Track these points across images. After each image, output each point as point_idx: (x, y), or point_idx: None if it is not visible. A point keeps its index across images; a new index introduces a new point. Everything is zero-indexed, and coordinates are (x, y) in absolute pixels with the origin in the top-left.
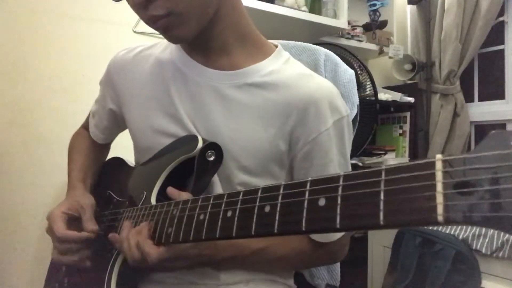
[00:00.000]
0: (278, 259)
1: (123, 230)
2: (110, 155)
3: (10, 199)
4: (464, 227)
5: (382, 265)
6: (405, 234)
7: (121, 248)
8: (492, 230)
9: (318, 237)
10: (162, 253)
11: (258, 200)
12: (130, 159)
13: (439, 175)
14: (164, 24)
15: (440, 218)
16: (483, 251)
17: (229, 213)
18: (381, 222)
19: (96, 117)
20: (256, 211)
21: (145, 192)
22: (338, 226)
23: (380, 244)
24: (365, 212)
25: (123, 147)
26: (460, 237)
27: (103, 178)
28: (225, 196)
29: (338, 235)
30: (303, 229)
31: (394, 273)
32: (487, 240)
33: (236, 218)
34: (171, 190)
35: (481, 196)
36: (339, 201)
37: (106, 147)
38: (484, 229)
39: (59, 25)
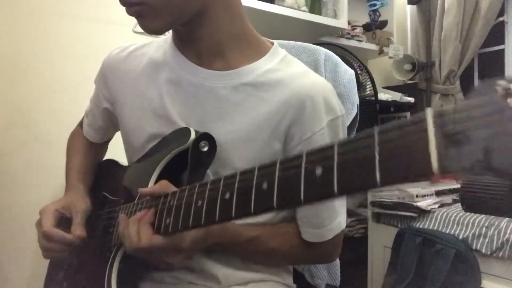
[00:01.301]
0: (271, 250)
1: (121, 219)
2: (108, 155)
3: (10, 199)
4: (464, 227)
5: (382, 265)
6: (405, 234)
7: (121, 234)
8: (492, 230)
9: (310, 238)
10: (156, 241)
11: (255, 178)
12: (125, 161)
13: (430, 128)
14: (136, 11)
15: (435, 169)
16: (483, 251)
17: (227, 195)
18: (378, 181)
19: (90, 117)
20: (254, 189)
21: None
22: (336, 191)
23: (380, 244)
24: (362, 173)
25: (119, 147)
26: (460, 237)
27: (97, 181)
28: (222, 179)
29: (330, 235)
30: (302, 199)
31: (394, 273)
32: (487, 240)
33: (234, 199)
34: (143, 191)
35: (473, 143)
36: (335, 168)
37: (104, 146)
38: (484, 229)
39: (59, 25)
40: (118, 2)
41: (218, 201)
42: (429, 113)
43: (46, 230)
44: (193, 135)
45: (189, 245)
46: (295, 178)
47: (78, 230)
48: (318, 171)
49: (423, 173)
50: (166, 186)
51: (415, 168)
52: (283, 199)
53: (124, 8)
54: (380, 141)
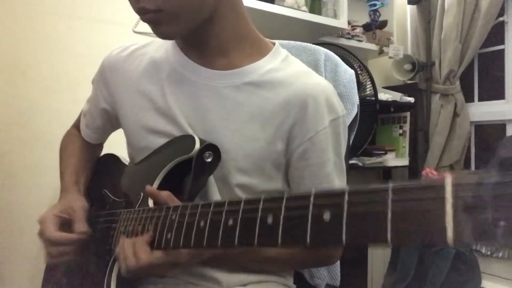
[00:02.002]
0: (269, 259)
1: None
2: (104, 152)
3: (10, 199)
4: None
5: (382, 265)
6: None
7: (117, 256)
8: None
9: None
10: (155, 258)
11: (260, 211)
12: (123, 156)
13: (448, 197)
14: (152, 18)
15: (450, 240)
16: (483, 251)
17: (231, 222)
18: (389, 242)
19: (87, 117)
20: (258, 222)
21: (142, 194)
22: (344, 242)
23: None
24: (372, 230)
25: (116, 144)
26: None
27: (98, 176)
28: (226, 204)
29: None
30: (308, 243)
31: (394, 273)
32: None
33: (238, 228)
34: (149, 189)
35: (491, 217)
36: (345, 218)
37: (99, 146)
38: None
39: (59, 25)
40: (118, 2)
41: (221, 227)
42: (448, 181)
43: (50, 236)
44: (197, 145)
45: (186, 259)
46: (301, 220)
47: (81, 226)
48: (326, 216)
49: (437, 244)
50: (169, 197)
51: (428, 236)
52: (288, 238)
53: (124, 8)
54: (393, 200)
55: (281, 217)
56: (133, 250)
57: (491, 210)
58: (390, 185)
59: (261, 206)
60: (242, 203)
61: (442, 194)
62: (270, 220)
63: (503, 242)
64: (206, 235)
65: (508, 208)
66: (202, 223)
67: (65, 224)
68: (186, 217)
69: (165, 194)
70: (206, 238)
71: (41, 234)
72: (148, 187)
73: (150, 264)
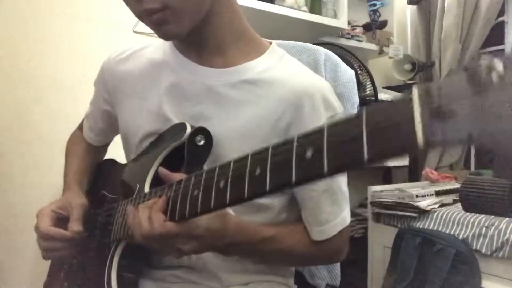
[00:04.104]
0: (287, 250)
1: (129, 211)
2: (108, 155)
3: (10, 199)
4: (464, 227)
5: (382, 265)
6: (405, 234)
7: (130, 221)
8: (492, 230)
9: (318, 236)
10: (169, 227)
11: (248, 164)
12: (123, 161)
13: (416, 103)
14: (159, 18)
15: (420, 141)
16: (483, 251)
17: (222, 183)
18: (365, 156)
19: (90, 119)
20: (247, 175)
21: (138, 185)
22: (325, 172)
23: (380, 244)
24: (350, 152)
25: (118, 147)
26: (460, 237)
27: (96, 181)
28: (217, 168)
29: (335, 230)
30: (293, 181)
31: (394, 273)
32: (487, 240)
33: (228, 186)
34: (162, 171)
35: (456, 117)
36: (325, 149)
37: (103, 148)
38: (484, 229)
39: (59, 25)
40: (118, 2)
41: (213, 189)
42: (415, 90)
43: (43, 230)
44: (188, 130)
45: (203, 232)
46: (286, 162)
47: (75, 225)
48: (309, 153)
49: (408, 147)
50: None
51: (401, 142)
52: (275, 182)
53: (124, 8)
54: (367, 120)
55: (268, 164)
56: (148, 215)
57: (454, 108)
58: (365, 107)
59: (249, 160)
60: (232, 162)
61: (410, 102)
62: (258, 171)
63: (467, 137)
64: (200, 200)
65: (466, 102)
66: (196, 192)
67: (62, 220)
68: (180, 190)
69: (178, 175)
70: (200, 203)
71: (36, 227)
72: (161, 169)
73: (164, 231)
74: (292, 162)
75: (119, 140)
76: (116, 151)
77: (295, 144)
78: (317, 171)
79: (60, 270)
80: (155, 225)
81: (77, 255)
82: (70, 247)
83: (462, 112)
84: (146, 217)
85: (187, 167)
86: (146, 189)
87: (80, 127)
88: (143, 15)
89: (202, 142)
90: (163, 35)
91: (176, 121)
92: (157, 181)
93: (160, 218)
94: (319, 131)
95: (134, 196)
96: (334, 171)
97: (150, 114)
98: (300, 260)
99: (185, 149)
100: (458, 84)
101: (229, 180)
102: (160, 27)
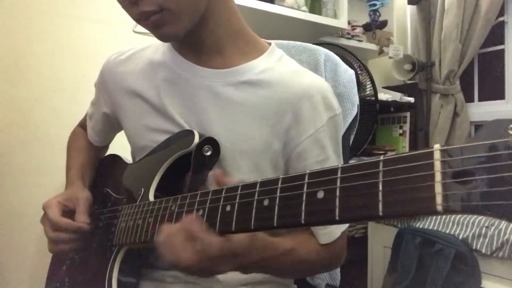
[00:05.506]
0: (304, 260)
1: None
2: (108, 153)
3: (10, 199)
4: (464, 227)
5: (382, 265)
6: (405, 234)
7: (170, 245)
8: (492, 230)
9: (324, 239)
10: (230, 242)
11: (256, 194)
12: (128, 157)
13: (437, 165)
14: (156, 20)
15: (439, 207)
16: (483, 251)
17: (228, 208)
18: (380, 213)
19: (92, 120)
20: (255, 205)
21: (143, 189)
22: (337, 218)
23: (380, 244)
24: (364, 203)
25: (119, 145)
26: (460, 237)
27: (100, 176)
28: (223, 191)
29: (339, 232)
30: (302, 221)
31: (394, 273)
32: (487, 240)
33: (235, 213)
34: (218, 173)
35: (479, 184)
36: (337, 193)
37: (104, 146)
38: (484, 229)
39: (59, 25)
40: (118, 2)
41: (219, 213)
42: (436, 149)
43: (54, 219)
44: (196, 139)
45: (243, 250)
46: (296, 199)
47: (82, 218)
48: (320, 194)
49: (426, 211)
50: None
51: (419, 205)
52: (284, 218)
53: (124, 8)
54: (385, 171)
55: (277, 198)
56: (190, 233)
57: (477, 176)
58: (382, 157)
59: (257, 189)
60: (239, 188)
61: (431, 161)
62: (266, 202)
63: (487, 211)
64: (204, 222)
65: (490, 173)
66: (200, 212)
67: (68, 213)
68: (185, 207)
69: (229, 180)
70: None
71: (45, 218)
72: (217, 170)
73: (224, 249)
74: (303, 201)
75: (119, 140)
76: (116, 151)
77: (306, 180)
78: (328, 217)
79: (62, 268)
80: (213, 245)
81: (80, 252)
82: (78, 239)
83: (484, 182)
84: (188, 236)
85: (193, 175)
86: (151, 195)
87: (81, 124)
88: (140, 18)
89: (209, 153)
90: (161, 37)
91: (179, 119)
92: (162, 187)
93: (214, 236)
94: (332, 171)
95: (137, 203)
96: (346, 220)
97: (153, 112)
98: (316, 268)
99: (192, 158)
100: (482, 151)
101: (236, 206)
102: (157, 29)
